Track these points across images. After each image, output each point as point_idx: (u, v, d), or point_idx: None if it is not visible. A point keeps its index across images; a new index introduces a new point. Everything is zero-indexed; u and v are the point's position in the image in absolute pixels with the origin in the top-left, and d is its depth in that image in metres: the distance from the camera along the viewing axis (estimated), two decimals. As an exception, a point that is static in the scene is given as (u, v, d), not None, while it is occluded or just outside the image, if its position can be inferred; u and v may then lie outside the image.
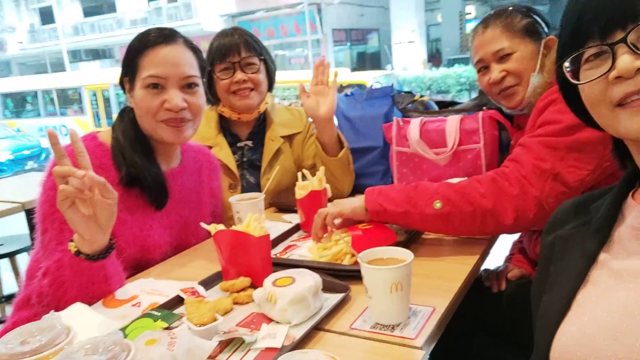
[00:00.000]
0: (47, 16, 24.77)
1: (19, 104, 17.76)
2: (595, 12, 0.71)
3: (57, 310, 1.11)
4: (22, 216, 2.95)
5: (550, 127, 1.30)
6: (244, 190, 1.88)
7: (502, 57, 1.50)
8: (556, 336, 0.77)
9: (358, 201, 1.36)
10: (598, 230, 0.80)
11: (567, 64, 0.76)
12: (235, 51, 1.82)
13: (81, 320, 1.02)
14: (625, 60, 0.68)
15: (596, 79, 0.72)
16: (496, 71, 1.51)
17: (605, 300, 0.74)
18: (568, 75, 0.76)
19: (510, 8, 1.53)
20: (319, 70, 1.80)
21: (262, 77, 1.87)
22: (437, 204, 1.28)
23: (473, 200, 1.26)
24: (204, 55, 1.86)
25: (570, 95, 0.80)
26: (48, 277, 1.17)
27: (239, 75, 1.82)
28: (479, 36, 1.55)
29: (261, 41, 1.92)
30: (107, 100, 15.74)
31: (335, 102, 1.77)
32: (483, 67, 1.56)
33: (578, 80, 0.76)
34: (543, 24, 1.52)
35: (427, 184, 1.34)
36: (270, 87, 1.96)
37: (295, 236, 1.57)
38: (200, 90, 1.47)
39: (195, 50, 1.47)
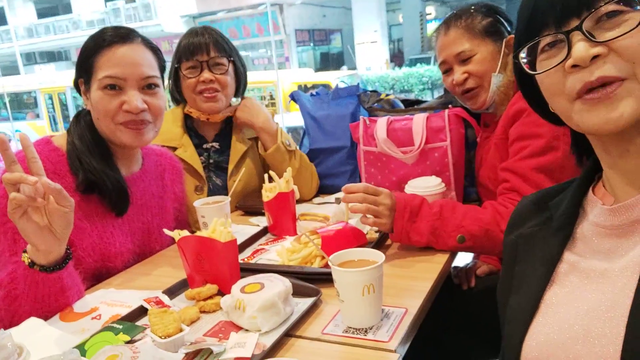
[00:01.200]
0: (-2, 17, 23.88)
1: (-30, 109, 17.03)
2: (550, 0, 0.70)
3: (11, 325, 1.05)
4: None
5: (532, 145, 1.31)
6: (210, 192, 1.83)
7: (464, 59, 1.51)
8: (525, 340, 0.76)
9: (389, 190, 1.32)
10: (560, 228, 0.79)
11: (523, 54, 0.75)
12: (204, 50, 1.77)
13: (36, 337, 0.96)
14: (580, 48, 0.67)
15: (552, 68, 0.71)
16: (458, 73, 1.52)
17: (573, 302, 0.73)
18: (525, 66, 0.75)
19: (472, 8, 1.53)
20: None
21: (229, 79, 1.82)
22: (461, 238, 1.27)
23: (495, 237, 1.26)
24: (172, 53, 1.82)
25: (529, 88, 0.80)
26: (1, 290, 1.10)
27: (206, 75, 1.77)
28: (441, 38, 1.56)
29: (232, 43, 1.88)
30: (64, 104, 15.26)
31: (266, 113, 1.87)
32: (447, 69, 1.56)
33: (535, 71, 0.75)
34: (505, 23, 1.53)
35: (451, 209, 1.31)
36: (240, 91, 1.91)
37: (263, 239, 1.53)
38: (161, 91, 1.41)
39: (155, 50, 1.42)
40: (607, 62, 0.66)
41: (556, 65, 0.70)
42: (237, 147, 1.88)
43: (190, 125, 1.90)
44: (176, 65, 1.80)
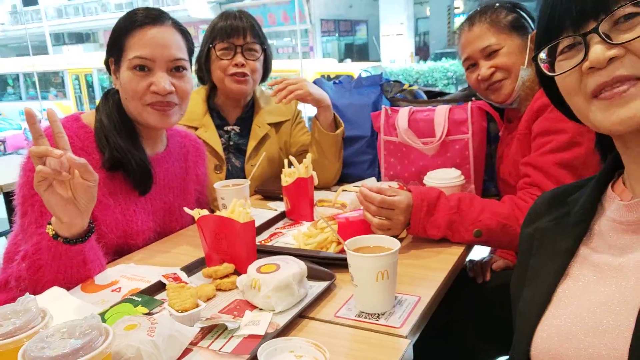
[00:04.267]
0: (29, -3, 24.20)
1: (0, 86, 17.41)
2: (567, 3, 0.71)
3: (34, 294, 1.08)
4: (0, 199, 2.89)
5: (555, 140, 1.30)
6: (229, 174, 1.86)
7: (490, 53, 1.50)
8: (536, 331, 0.77)
9: (406, 202, 1.29)
10: (578, 222, 0.80)
11: (543, 55, 0.77)
12: (241, 34, 1.79)
13: (58, 305, 0.99)
14: (597, 50, 0.68)
15: (569, 70, 0.72)
16: (485, 67, 1.50)
17: (586, 295, 0.74)
18: (544, 67, 0.77)
19: (496, 4, 1.52)
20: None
21: (259, 65, 1.85)
22: (477, 232, 1.27)
23: (513, 232, 1.26)
24: (197, 39, 1.83)
25: (550, 87, 0.80)
26: (26, 260, 1.14)
27: (239, 59, 1.80)
28: (465, 34, 1.55)
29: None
30: (90, 85, 15.49)
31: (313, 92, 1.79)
32: (471, 65, 1.55)
33: (554, 72, 0.75)
34: (528, 19, 1.52)
35: (468, 203, 1.30)
36: (265, 77, 1.94)
37: (280, 224, 1.55)
38: (188, 74, 1.43)
39: (185, 33, 1.44)
40: (624, 63, 0.67)
41: (573, 67, 0.71)
42: (257, 132, 1.90)
43: (212, 106, 1.92)
44: (210, 45, 1.82)
